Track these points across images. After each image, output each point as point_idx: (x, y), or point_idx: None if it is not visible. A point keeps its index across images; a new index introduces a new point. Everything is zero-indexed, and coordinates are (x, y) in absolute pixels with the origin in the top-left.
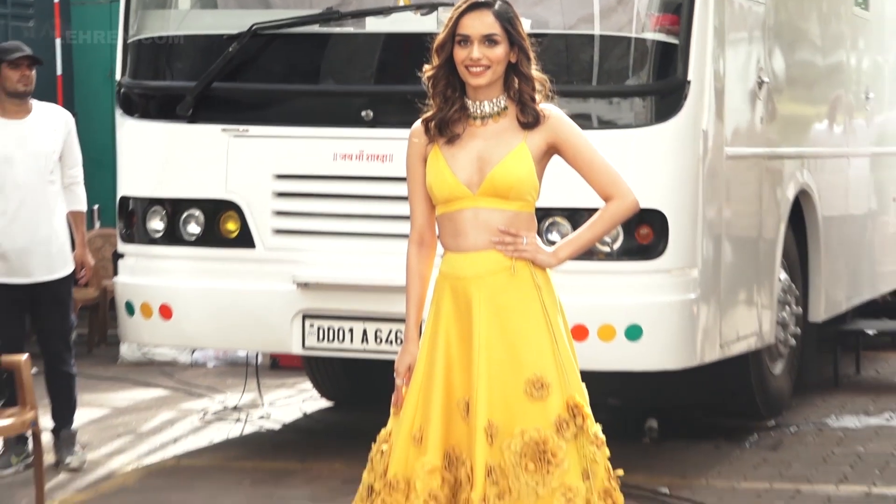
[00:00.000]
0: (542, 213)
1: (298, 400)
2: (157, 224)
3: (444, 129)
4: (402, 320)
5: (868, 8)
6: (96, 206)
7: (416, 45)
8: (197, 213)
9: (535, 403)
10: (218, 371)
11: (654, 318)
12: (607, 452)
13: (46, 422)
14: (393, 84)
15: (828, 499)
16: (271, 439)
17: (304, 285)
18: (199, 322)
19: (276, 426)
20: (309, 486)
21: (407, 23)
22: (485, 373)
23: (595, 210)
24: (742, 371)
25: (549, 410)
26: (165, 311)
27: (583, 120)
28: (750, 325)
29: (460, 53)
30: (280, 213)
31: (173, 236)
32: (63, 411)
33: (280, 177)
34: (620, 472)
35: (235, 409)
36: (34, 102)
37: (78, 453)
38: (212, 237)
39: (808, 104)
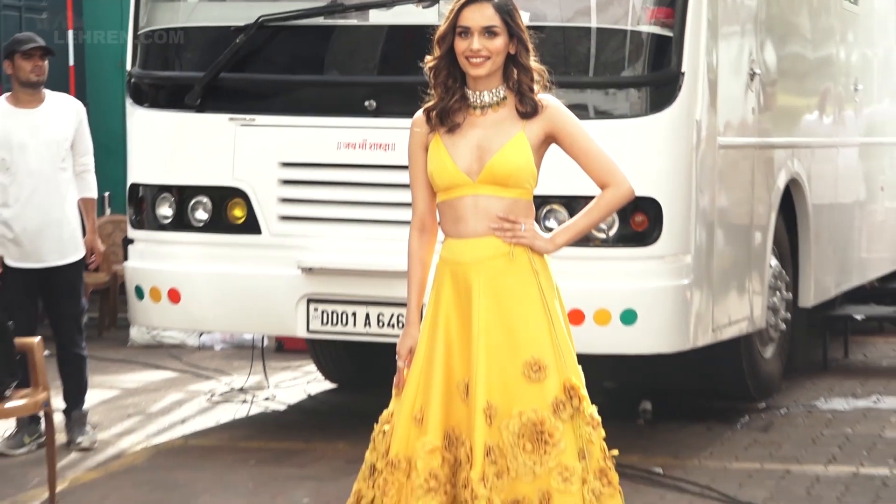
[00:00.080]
0: (540, 201)
1: (303, 382)
2: (165, 210)
3: (445, 119)
4: (403, 304)
5: (857, 2)
6: (107, 193)
7: (418, 36)
8: (205, 199)
9: (532, 385)
10: (225, 353)
11: (649, 302)
12: (603, 433)
13: (58, 403)
14: (395, 75)
15: (816, 479)
16: (276, 420)
17: (308, 270)
18: (206, 306)
19: (281, 407)
20: (313, 465)
21: (409, 15)
22: (484, 355)
23: (591, 198)
24: (734, 355)
25: (546, 392)
26: (174, 295)
27: (580, 110)
28: (741, 310)
29: (461, 45)
30: (285, 200)
31: (182, 222)
32: (74, 393)
33: (285, 165)
34: (615, 452)
35: (242, 390)
36: (47, 92)
37: (89, 433)
38: (219, 223)
39: (798, 96)
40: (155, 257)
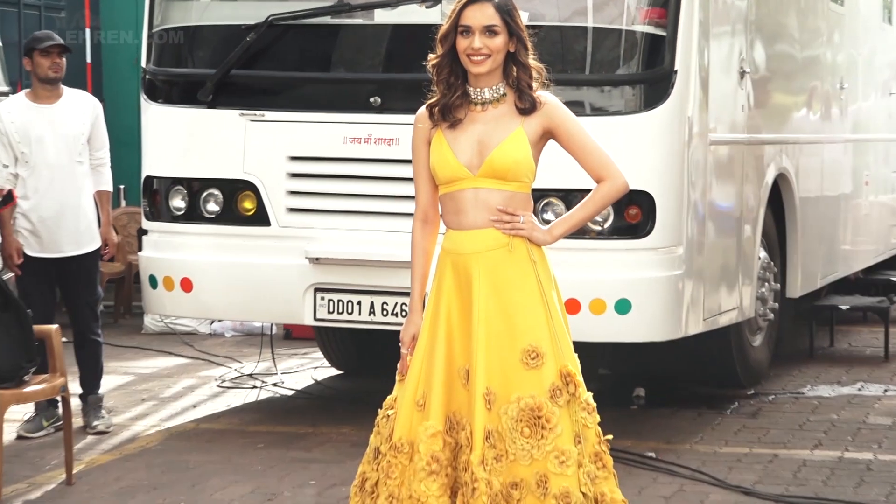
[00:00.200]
0: (538, 194)
1: (310, 368)
2: (178, 203)
3: (447, 114)
4: (407, 293)
5: (843, 4)
6: (122, 186)
7: (421, 35)
8: (216, 192)
9: (530, 372)
10: (235, 341)
11: (642, 292)
12: (598, 418)
13: (75, 388)
14: (399, 72)
15: (803, 463)
16: (284, 405)
17: (315, 260)
18: (217, 295)
19: (289, 392)
20: (319, 448)
21: (413, 15)
22: (484, 343)
23: (587, 191)
24: (724, 343)
25: (543, 378)
26: (186, 285)
27: (576, 107)
28: (731, 299)
29: (462, 43)
30: (293, 193)
31: (194, 214)
32: (90, 378)
33: (294, 159)
34: (610, 436)
35: (251, 376)
36: (65, 89)
37: (104, 417)
38: (230, 215)
39: (786, 94)
40: (168, 248)
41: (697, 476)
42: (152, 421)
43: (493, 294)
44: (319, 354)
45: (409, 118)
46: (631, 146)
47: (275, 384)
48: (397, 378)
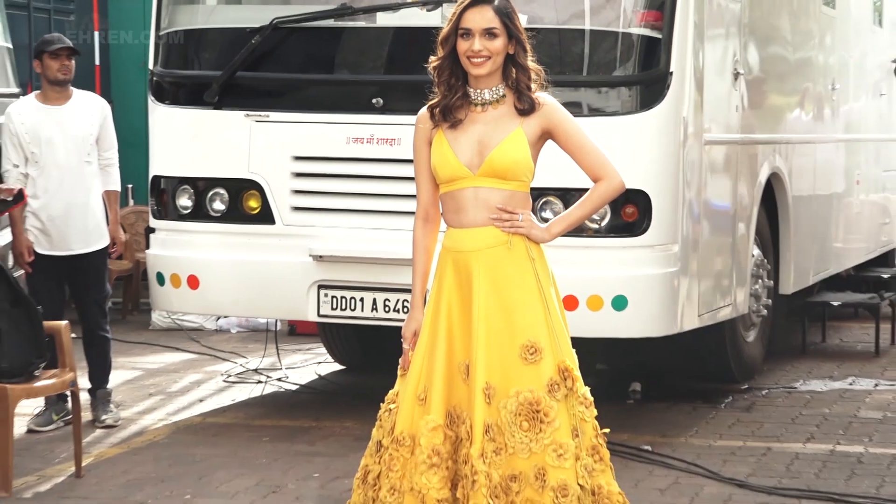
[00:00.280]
0: (537, 193)
1: (313, 363)
2: (185, 201)
3: (448, 115)
4: (408, 290)
5: (834, 7)
6: (130, 185)
7: (422, 38)
8: (222, 191)
9: (529, 367)
10: (240, 336)
11: (639, 289)
12: (595, 412)
13: (84, 382)
14: (401, 74)
15: (796, 456)
16: (288, 399)
17: (319, 258)
18: (223, 291)
19: (293, 387)
20: (323, 442)
21: (414, 18)
22: (483, 338)
23: (585, 190)
24: (718, 339)
25: (542, 373)
26: (193, 282)
27: (574, 108)
28: (725, 296)
29: (463, 45)
30: (298, 192)
31: (200, 213)
32: (99, 373)
33: (298, 158)
34: (607, 430)
35: (256, 371)
36: (74, 90)
37: (113, 411)
38: (235, 214)
39: (779, 95)
40: (175, 246)
41: (692, 469)
42: (160, 415)
43: (492, 291)
44: (323, 350)
45: (411, 119)
46: (627, 146)
47: (279, 379)
48: (399, 373)
